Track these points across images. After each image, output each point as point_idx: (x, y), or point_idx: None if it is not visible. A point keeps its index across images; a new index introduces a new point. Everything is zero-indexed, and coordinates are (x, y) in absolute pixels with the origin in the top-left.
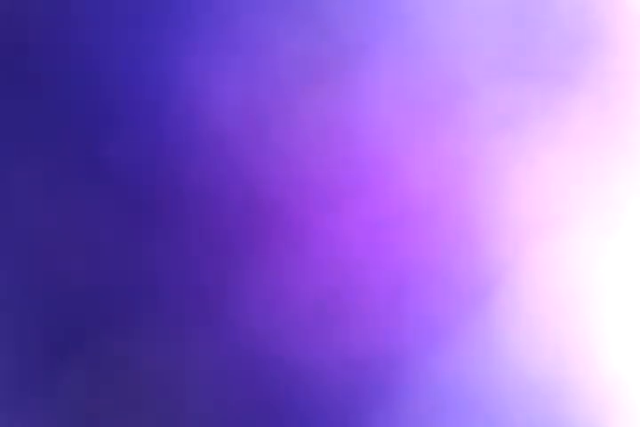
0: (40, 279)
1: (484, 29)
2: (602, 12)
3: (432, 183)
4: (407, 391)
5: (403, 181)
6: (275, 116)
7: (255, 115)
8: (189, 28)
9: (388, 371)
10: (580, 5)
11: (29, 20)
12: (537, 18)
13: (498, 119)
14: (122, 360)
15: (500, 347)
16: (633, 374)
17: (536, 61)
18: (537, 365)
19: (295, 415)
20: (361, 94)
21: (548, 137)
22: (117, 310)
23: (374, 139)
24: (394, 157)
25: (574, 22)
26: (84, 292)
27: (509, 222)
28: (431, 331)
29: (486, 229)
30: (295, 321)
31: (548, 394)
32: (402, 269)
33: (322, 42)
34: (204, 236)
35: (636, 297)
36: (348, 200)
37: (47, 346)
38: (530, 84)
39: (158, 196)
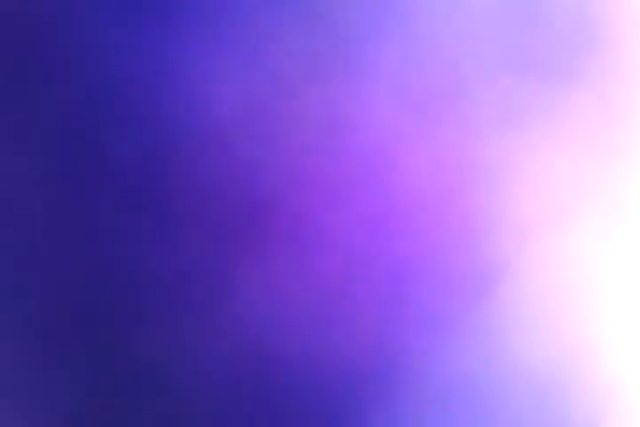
0: (40, 278)
1: (485, 27)
2: (602, 9)
3: (433, 179)
4: (407, 390)
5: (404, 178)
6: (276, 112)
7: (256, 112)
8: (190, 25)
9: (388, 370)
10: (581, 3)
11: (29, 20)
12: (538, 15)
13: (499, 117)
14: (122, 359)
15: (502, 345)
16: (635, 370)
17: (537, 59)
18: (538, 362)
19: (295, 415)
20: (362, 91)
21: (549, 135)
22: (117, 310)
23: (375, 135)
24: (395, 153)
25: (575, 20)
26: (84, 291)
27: (511, 219)
28: (432, 329)
29: (488, 226)
30: (295, 319)
31: (550, 391)
32: (403, 266)
33: (322, 39)
34: (204, 234)
35: (638, 294)
36: (349, 197)
37: (47, 345)
38: (531, 82)
39: (159, 194)
